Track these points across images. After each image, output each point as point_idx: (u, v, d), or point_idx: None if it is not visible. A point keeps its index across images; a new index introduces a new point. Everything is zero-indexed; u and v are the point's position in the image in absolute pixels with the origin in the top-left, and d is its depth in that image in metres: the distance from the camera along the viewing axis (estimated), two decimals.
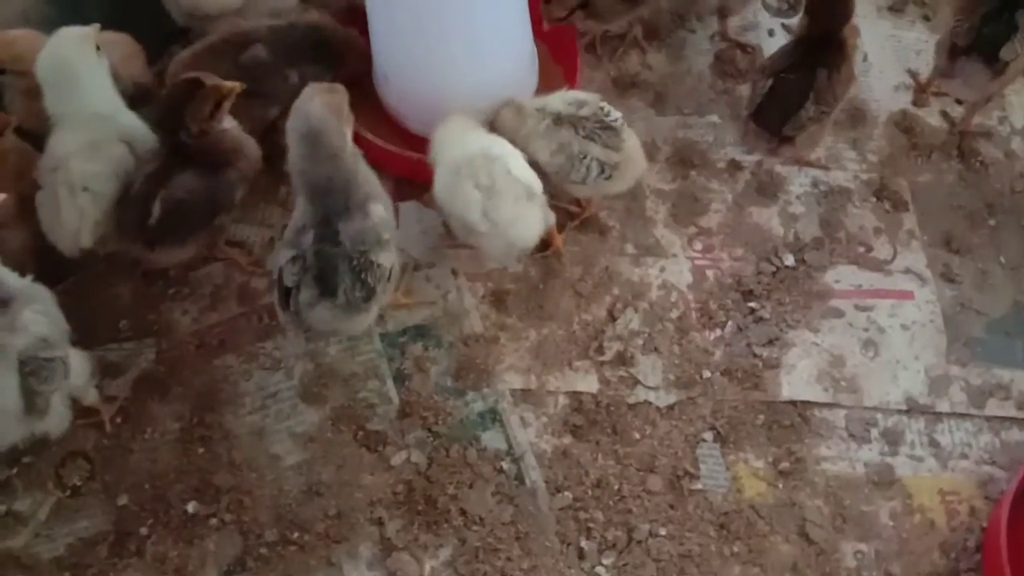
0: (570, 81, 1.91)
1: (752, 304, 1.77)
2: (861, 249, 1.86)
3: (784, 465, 1.60)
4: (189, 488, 1.55)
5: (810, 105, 1.79)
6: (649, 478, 1.57)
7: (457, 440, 1.61)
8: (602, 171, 1.66)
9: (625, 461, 1.59)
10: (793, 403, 1.67)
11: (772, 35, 2.13)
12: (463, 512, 1.54)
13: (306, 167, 1.43)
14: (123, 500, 1.54)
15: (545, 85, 1.92)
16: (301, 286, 1.44)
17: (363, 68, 1.82)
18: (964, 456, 1.63)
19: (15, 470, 1.56)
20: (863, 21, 2.13)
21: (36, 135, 1.61)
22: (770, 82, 1.82)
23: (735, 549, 1.52)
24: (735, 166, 1.94)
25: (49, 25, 1.71)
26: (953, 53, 1.82)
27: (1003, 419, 1.67)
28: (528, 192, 1.57)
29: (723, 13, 2.09)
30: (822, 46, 1.81)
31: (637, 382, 1.67)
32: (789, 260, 1.83)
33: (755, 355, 1.71)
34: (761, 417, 1.65)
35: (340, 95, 1.46)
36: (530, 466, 1.59)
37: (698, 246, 1.85)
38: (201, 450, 1.59)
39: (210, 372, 1.66)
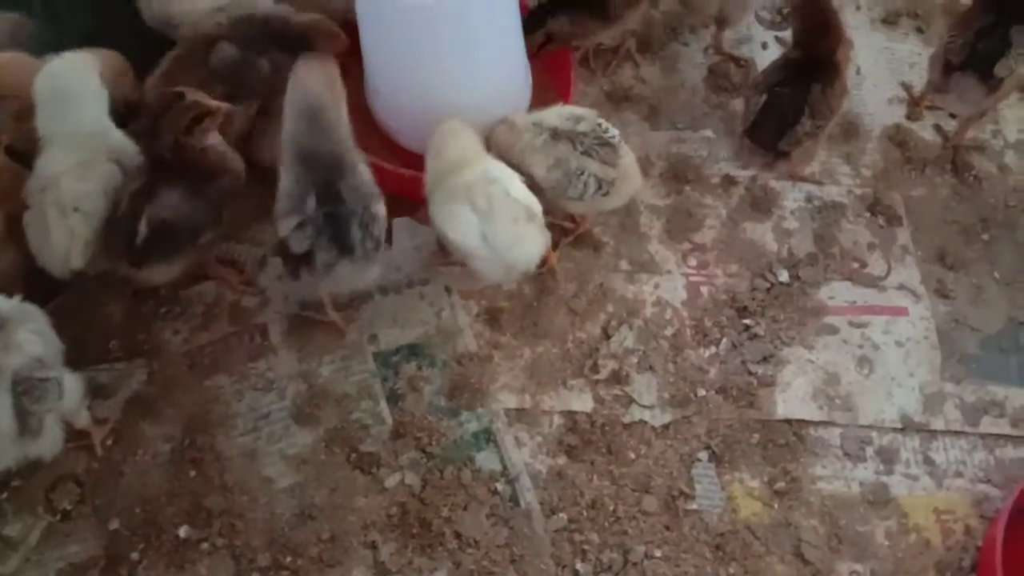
0: (564, 96, 1.89)
1: (747, 321, 1.77)
2: (855, 265, 1.85)
3: (779, 485, 1.59)
4: (180, 512, 1.53)
5: (806, 120, 1.79)
6: (644, 499, 1.56)
7: (451, 461, 1.60)
8: (599, 187, 1.65)
9: (620, 481, 1.58)
10: (788, 421, 1.66)
11: (765, 48, 2.13)
12: (457, 535, 1.53)
13: (306, 140, 1.49)
14: (114, 524, 1.53)
15: (539, 100, 1.90)
16: (316, 250, 1.47)
17: (333, 49, 1.74)
18: (959, 474, 1.63)
19: (5, 494, 1.54)
20: (856, 33, 2.13)
21: (24, 155, 1.60)
22: (764, 97, 1.82)
23: (731, 570, 1.52)
24: (729, 181, 1.93)
25: (37, 43, 1.71)
26: (947, 68, 1.83)
27: (997, 437, 1.67)
28: (528, 213, 1.55)
29: (721, 24, 2.08)
30: (815, 62, 1.82)
31: (632, 401, 1.67)
32: (783, 276, 1.83)
33: (750, 373, 1.71)
34: (756, 436, 1.64)
35: (333, 68, 1.53)
36: (525, 487, 1.58)
37: (692, 262, 1.85)
38: (193, 473, 1.58)
39: (201, 393, 1.65)
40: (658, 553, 1.52)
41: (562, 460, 1.61)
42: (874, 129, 2.02)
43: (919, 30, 2.18)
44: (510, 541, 1.53)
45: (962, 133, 1.99)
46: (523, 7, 1.81)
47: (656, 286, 1.81)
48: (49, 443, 1.41)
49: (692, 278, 1.83)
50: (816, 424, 1.66)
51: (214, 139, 1.58)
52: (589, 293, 1.79)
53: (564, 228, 1.83)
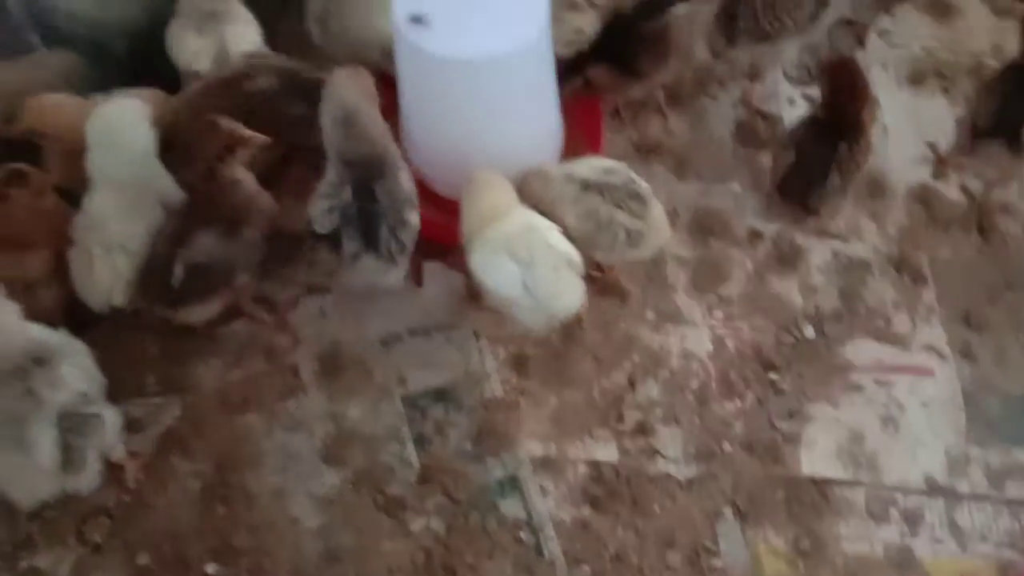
0: (594, 146, 1.93)
1: (772, 376, 1.78)
2: (880, 323, 1.87)
3: (804, 544, 1.59)
4: (209, 549, 1.55)
5: (834, 177, 1.82)
6: (668, 553, 1.57)
7: (476, 507, 1.61)
8: (629, 239, 1.67)
9: (644, 535, 1.59)
10: (813, 479, 1.67)
11: (792, 104, 2.15)
12: None
13: (343, 147, 1.56)
14: (143, 559, 1.55)
15: (570, 148, 1.94)
16: (345, 239, 1.54)
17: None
18: (984, 539, 1.63)
19: (37, 525, 1.56)
20: (883, 92, 2.15)
21: (70, 193, 1.65)
22: (793, 155, 1.85)
23: None
24: (755, 235, 1.96)
25: (88, 82, 1.77)
26: (974, 132, 1.85)
27: (1022, 502, 1.67)
28: (568, 261, 1.58)
29: (753, 77, 2.12)
30: (842, 121, 1.85)
31: (657, 453, 1.68)
32: (809, 332, 1.84)
33: (775, 428, 1.72)
34: (781, 493, 1.65)
35: (366, 77, 1.60)
36: (549, 537, 1.59)
37: (719, 314, 1.87)
38: (222, 510, 1.60)
39: (232, 430, 1.67)
40: None
41: (587, 511, 1.62)
42: (900, 187, 2.04)
43: (945, 90, 2.21)
44: None
45: (987, 194, 2.01)
46: (560, 62, 1.86)
47: (682, 337, 1.83)
48: (88, 477, 1.44)
49: (718, 330, 1.84)
50: (841, 483, 1.67)
51: (244, 174, 1.63)
52: (615, 342, 1.81)
53: (591, 276, 1.86)
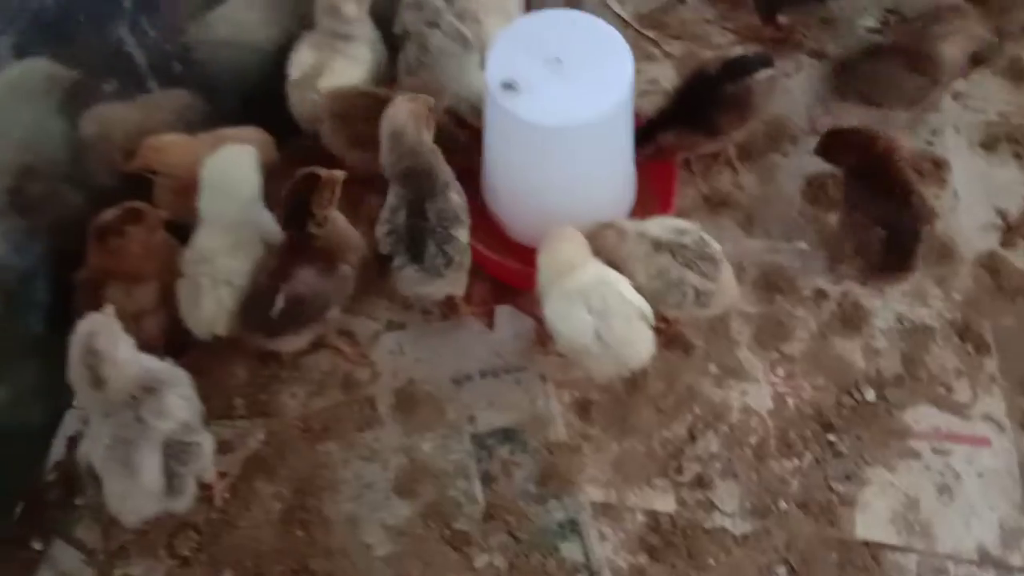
0: (666, 201, 2.00)
1: (831, 437, 1.82)
2: (941, 390, 1.89)
3: None
4: (288, 570, 1.66)
5: (925, 233, 1.86)
6: None
7: (537, 548, 1.69)
8: (697, 299, 1.74)
9: None
10: (866, 543, 1.71)
11: None
12: None
13: (391, 160, 1.75)
14: (227, 574, 1.66)
15: (641, 202, 2.02)
16: (395, 254, 1.72)
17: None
18: None
19: (131, 536, 1.68)
20: (954, 156, 2.18)
21: (179, 228, 1.77)
22: (883, 232, 1.85)
23: None
24: (821, 295, 2.00)
25: (203, 118, 1.89)
26: None
27: None
28: (640, 314, 1.66)
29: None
30: (878, 175, 1.88)
31: (714, 507, 1.74)
32: (870, 395, 1.88)
33: (831, 490, 1.76)
34: (834, 555, 1.69)
35: (421, 103, 1.76)
36: None
37: (780, 372, 1.91)
38: (300, 533, 1.70)
39: (313, 457, 1.78)
40: None
41: (643, 559, 1.68)
42: (967, 253, 2.06)
43: (1018, 156, 2.21)
44: None
45: None
46: (638, 120, 1.93)
47: (743, 392, 1.88)
48: (187, 500, 1.56)
49: (779, 388, 1.89)
50: (894, 549, 1.70)
51: (337, 213, 1.74)
52: (677, 393, 1.87)
53: (656, 328, 1.93)
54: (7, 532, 1.71)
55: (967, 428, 1.85)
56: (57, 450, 1.80)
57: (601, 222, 1.79)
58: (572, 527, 1.71)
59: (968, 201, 2.14)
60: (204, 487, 1.70)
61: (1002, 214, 2.11)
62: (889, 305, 1.99)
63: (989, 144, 2.22)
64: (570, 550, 1.69)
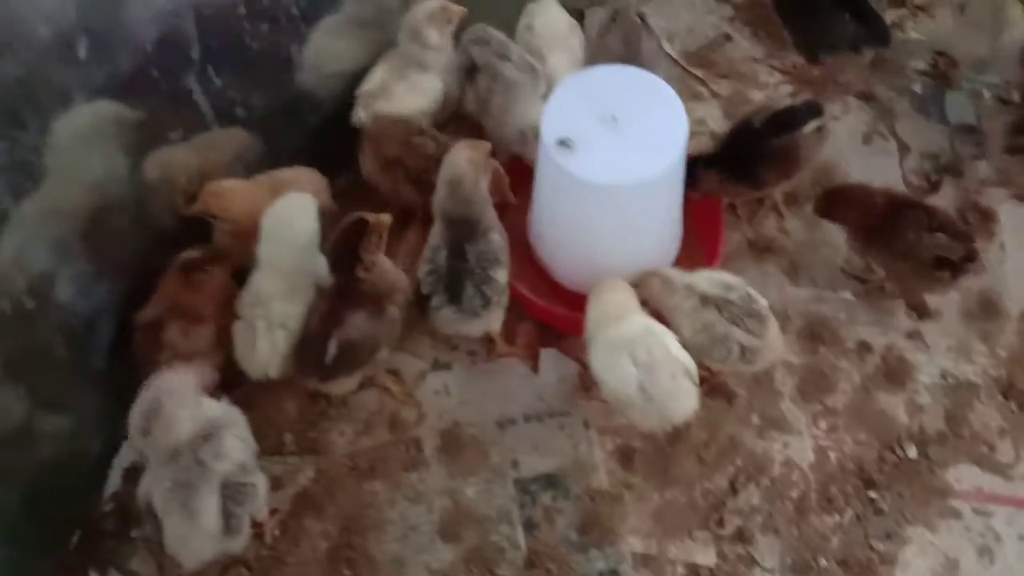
0: (712, 251, 1.99)
1: (872, 494, 1.83)
2: (984, 449, 1.89)
3: None
4: None
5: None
6: None
7: None
8: (743, 355, 1.75)
9: None
10: None
11: None
12: None
13: (447, 206, 1.80)
14: None
15: (686, 246, 2.02)
16: (434, 294, 1.77)
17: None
18: None
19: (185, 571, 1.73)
20: (1003, 208, 2.17)
21: (237, 271, 1.82)
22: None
23: None
24: (865, 348, 2.00)
25: (259, 159, 1.94)
26: None
27: None
28: (685, 370, 1.68)
29: None
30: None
31: (754, 562, 1.75)
32: (912, 452, 1.88)
33: (871, 548, 1.77)
34: None
35: (480, 151, 1.81)
36: None
37: (823, 425, 1.92)
38: (347, 572, 1.74)
39: (360, 496, 1.82)
40: None
41: None
42: (1013, 309, 2.05)
43: None
44: None
45: None
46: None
47: (785, 445, 1.89)
48: (243, 540, 1.60)
49: (821, 441, 1.90)
50: None
51: (383, 258, 1.77)
52: (719, 444, 1.89)
53: (700, 377, 1.94)
54: (64, 560, 1.77)
55: (1010, 489, 1.85)
56: (113, 481, 1.85)
57: (649, 271, 1.81)
58: None
59: (1015, 256, 2.12)
60: (255, 524, 1.74)
61: None
62: (934, 360, 1.99)
63: None
64: None
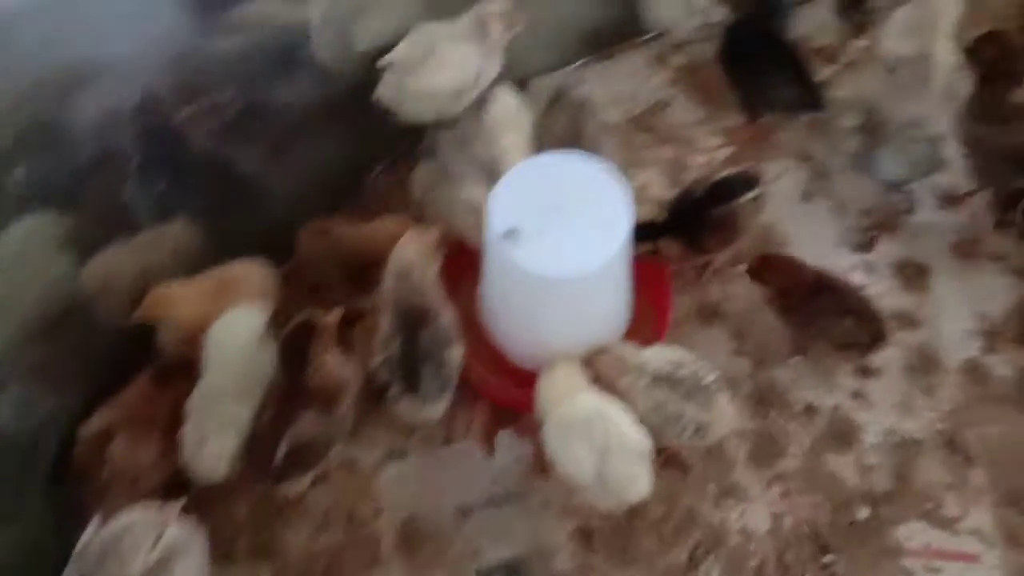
0: (660, 327, 2.02)
1: (826, 559, 1.86)
2: (930, 505, 1.94)
3: None
4: None
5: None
6: None
7: None
8: (696, 432, 1.77)
9: None
10: None
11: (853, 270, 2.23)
12: None
13: (396, 297, 1.78)
14: None
15: (636, 321, 2.02)
16: (392, 383, 1.75)
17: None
18: None
19: None
20: (936, 262, 2.24)
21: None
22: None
23: None
24: (812, 410, 2.04)
25: (200, 256, 1.91)
26: None
27: None
28: (639, 452, 1.69)
29: None
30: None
31: None
32: (863, 513, 1.92)
33: None
34: None
35: (428, 239, 1.81)
36: None
37: (776, 490, 1.95)
38: None
39: None
40: None
41: None
42: (952, 362, 2.11)
43: (999, 259, 2.28)
44: None
45: None
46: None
47: (742, 513, 1.92)
48: None
49: (775, 508, 1.93)
50: None
51: (331, 355, 1.76)
52: (676, 518, 1.90)
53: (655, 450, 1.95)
54: None
55: (957, 544, 1.89)
56: None
57: (600, 348, 1.83)
58: None
59: (950, 309, 2.18)
60: None
61: (984, 320, 2.17)
62: (878, 419, 2.04)
63: (966, 250, 2.24)
64: None
